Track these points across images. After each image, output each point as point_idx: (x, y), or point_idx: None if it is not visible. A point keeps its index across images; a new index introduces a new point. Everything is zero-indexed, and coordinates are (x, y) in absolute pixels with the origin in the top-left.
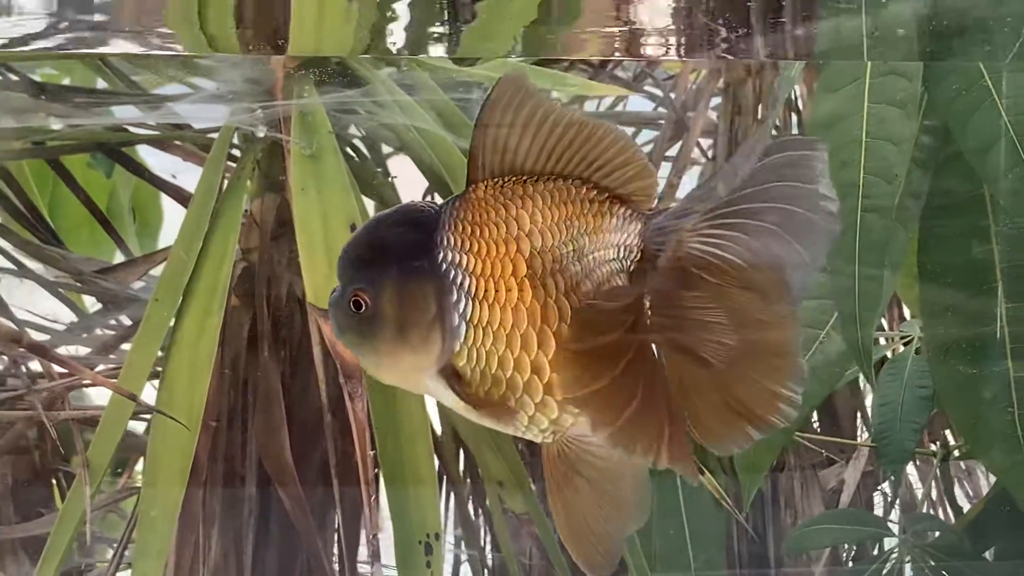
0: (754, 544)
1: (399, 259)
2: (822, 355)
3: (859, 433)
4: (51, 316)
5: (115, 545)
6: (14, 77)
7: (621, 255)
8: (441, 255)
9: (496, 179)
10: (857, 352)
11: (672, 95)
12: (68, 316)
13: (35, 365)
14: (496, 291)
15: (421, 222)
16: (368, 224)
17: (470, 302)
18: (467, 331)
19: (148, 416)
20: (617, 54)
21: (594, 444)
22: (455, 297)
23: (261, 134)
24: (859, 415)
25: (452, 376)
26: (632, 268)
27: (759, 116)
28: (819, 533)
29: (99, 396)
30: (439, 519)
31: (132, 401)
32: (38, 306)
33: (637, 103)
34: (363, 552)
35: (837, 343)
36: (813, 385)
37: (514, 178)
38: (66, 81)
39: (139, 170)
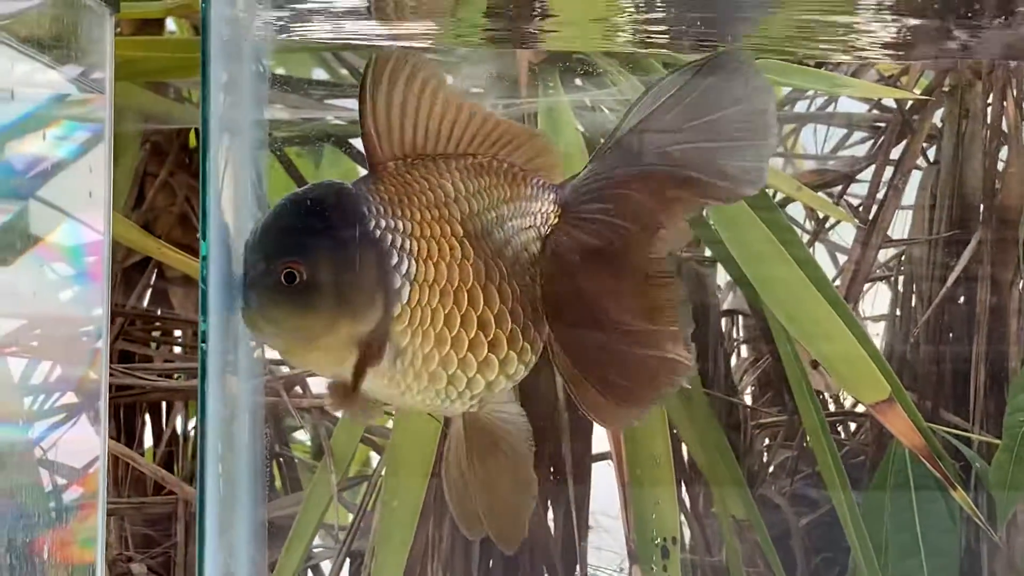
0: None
1: (329, 230)
2: None
3: None
4: None
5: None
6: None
7: (538, 222)
8: (373, 222)
9: (402, 160)
10: None
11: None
12: None
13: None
14: (439, 248)
15: (341, 196)
16: (286, 200)
17: (412, 261)
18: (411, 290)
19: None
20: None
21: (506, 414)
22: (395, 259)
23: None
24: None
25: (369, 349)
26: (548, 233)
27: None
28: None
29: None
30: (677, 522)
31: None
32: None
33: (848, 104)
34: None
35: None
36: None
37: (422, 158)
38: (279, 71)
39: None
